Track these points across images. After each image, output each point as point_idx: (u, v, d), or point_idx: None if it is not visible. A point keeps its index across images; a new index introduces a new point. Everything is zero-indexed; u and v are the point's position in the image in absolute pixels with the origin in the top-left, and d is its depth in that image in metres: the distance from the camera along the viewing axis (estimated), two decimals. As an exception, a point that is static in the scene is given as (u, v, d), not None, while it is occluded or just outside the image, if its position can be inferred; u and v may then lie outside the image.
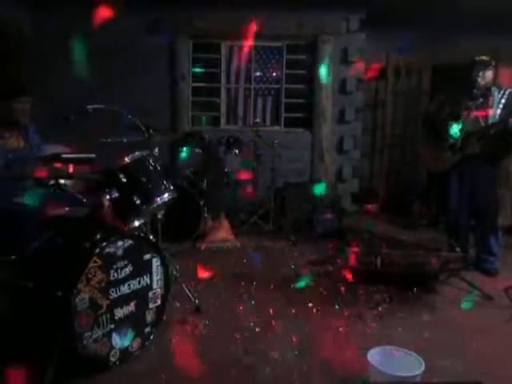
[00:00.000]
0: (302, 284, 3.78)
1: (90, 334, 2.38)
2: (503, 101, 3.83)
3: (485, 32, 5.48)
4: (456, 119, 3.96)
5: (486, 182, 4.02)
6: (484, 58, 3.91)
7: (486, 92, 3.90)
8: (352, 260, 3.98)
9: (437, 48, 6.09)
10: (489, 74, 3.87)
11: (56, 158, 2.92)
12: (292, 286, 3.81)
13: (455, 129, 3.92)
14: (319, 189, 5.39)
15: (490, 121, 3.85)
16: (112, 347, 2.52)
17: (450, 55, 5.91)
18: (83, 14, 5.57)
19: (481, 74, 3.84)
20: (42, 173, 2.84)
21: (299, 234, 5.11)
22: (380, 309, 3.40)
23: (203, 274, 3.86)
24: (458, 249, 3.82)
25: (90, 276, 2.36)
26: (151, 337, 2.77)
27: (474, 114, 3.88)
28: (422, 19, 5.71)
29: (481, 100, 3.90)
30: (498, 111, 3.84)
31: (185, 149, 5.02)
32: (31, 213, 2.88)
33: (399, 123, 6.75)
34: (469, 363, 2.69)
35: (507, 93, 3.83)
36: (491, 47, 4.59)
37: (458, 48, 5.76)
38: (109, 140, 3.76)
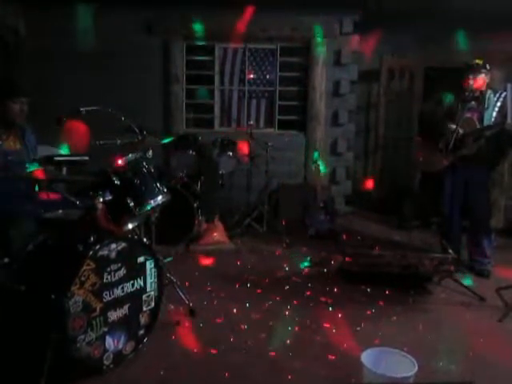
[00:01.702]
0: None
1: (83, 337, 2.37)
2: (499, 104, 3.85)
3: (478, 35, 5.51)
4: (450, 120, 3.98)
5: (480, 184, 4.05)
6: (477, 61, 3.93)
7: (479, 95, 3.93)
8: (345, 261, 3.99)
9: (430, 50, 6.12)
10: (481, 77, 3.89)
11: (50, 160, 2.91)
12: (286, 287, 3.81)
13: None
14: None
15: (486, 123, 3.87)
16: (105, 350, 2.51)
17: (443, 57, 5.95)
18: (78, 15, 5.58)
19: (473, 77, 3.87)
20: (38, 175, 2.83)
21: (293, 235, 5.12)
22: (373, 310, 3.42)
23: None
24: (450, 250, 3.84)
25: (83, 279, 2.36)
26: (145, 340, 2.76)
27: (467, 116, 3.90)
28: (415, 21, 5.74)
29: (473, 103, 3.92)
30: (494, 114, 3.86)
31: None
32: (25, 215, 2.87)
33: (392, 125, 6.77)
34: (461, 363, 2.71)
35: (503, 96, 3.84)
36: (484, 50, 4.62)
37: (452, 50, 5.80)
38: (102, 142, 3.75)
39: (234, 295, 3.65)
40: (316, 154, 5.79)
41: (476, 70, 3.90)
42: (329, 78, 6.15)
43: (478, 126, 3.87)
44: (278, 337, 3.00)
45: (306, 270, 4.27)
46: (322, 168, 5.77)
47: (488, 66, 3.94)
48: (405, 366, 2.32)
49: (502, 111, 3.80)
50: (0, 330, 2.40)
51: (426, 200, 5.89)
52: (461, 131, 3.87)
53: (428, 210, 5.89)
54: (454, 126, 3.89)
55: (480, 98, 3.93)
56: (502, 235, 5.08)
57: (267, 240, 5.14)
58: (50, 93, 5.51)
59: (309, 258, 4.51)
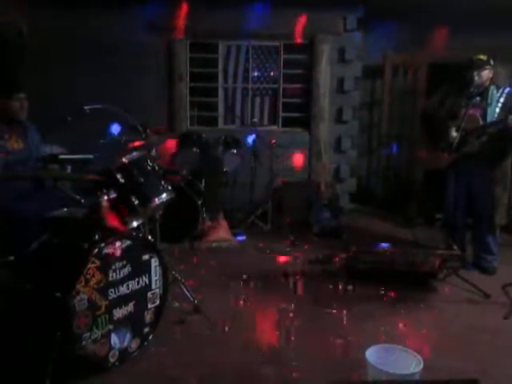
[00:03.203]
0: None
1: (88, 334, 2.38)
2: (502, 100, 3.83)
3: (482, 31, 5.49)
4: (453, 118, 3.97)
5: (483, 181, 4.02)
6: (481, 56, 3.91)
7: (483, 91, 3.91)
8: (350, 258, 3.99)
9: (434, 46, 6.10)
10: (485, 73, 3.87)
11: (54, 158, 2.92)
12: (291, 285, 3.81)
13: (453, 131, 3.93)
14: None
15: (489, 119, 3.85)
16: (111, 348, 2.52)
17: (447, 53, 5.92)
18: (81, 14, 5.60)
19: (477, 73, 3.85)
20: (41, 174, 2.85)
21: (297, 233, 5.12)
22: (378, 307, 3.41)
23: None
24: (455, 247, 3.82)
25: (88, 277, 2.36)
26: (150, 337, 2.77)
27: (471, 112, 3.88)
28: (419, 17, 5.71)
29: (477, 99, 3.90)
30: (497, 110, 3.84)
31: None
32: (30, 214, 2.88)
33: (396, 122, 6.75)
34: (466, 361, 2.70)
35: (506, 92, 3.83)
36: (489, 46, 4.59)
37: (456, 46, 5.77)
38: (107, 140, 3.76)
39: (239, 293, 3.65)
40: None
41: (480, 65, 3.87)
42: (333, 74, 6.14)
43: (481, 123, 3.85)
44: (283, 334, 3.01)
45: (311, 267, 4.26)
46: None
47: (492, 62, 3.92)
48: (410, 362, 2.31)
49: (505, 107, 3.78)
50: (5, 328, 2.41)
51: (430, 197, 5.88)
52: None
53: (432, 207, 5.88)
54: (454, 134, 3.88)
55: (484, 93, 3.91)
56: (505, 232, 5.06)
57: (271, 238, 5.14)
58: (54, 92, 5.52)
59: (313, 256, 4.51)
